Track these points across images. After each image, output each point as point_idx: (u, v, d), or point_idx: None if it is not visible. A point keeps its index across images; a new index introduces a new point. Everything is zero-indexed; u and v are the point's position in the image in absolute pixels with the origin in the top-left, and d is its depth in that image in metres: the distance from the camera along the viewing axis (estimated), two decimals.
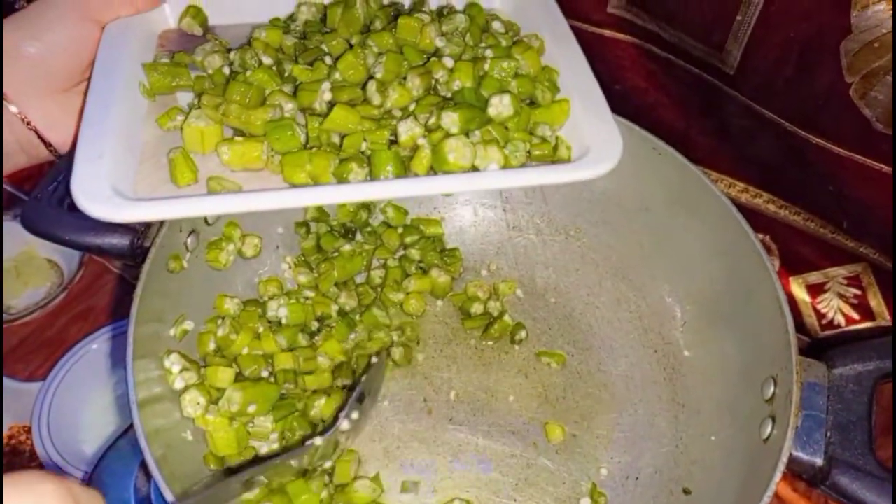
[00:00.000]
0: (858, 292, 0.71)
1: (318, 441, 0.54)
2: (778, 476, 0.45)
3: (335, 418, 0.56)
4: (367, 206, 0.68)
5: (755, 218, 0.70)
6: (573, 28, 0.58)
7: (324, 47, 0.54)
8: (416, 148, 0.49)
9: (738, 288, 0.57)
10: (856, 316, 0.73)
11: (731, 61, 0.63)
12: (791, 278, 0.74)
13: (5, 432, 0.72)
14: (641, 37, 0.70)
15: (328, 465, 0.56)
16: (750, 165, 0.71)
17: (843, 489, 0.46)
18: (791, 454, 0.46)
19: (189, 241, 0.58)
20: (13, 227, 0.83)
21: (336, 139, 0.50)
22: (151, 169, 0.49)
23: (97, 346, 0.74)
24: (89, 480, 0.60)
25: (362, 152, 0.50)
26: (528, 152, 0.51)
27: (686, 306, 0.63)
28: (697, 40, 0.65)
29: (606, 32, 0.70)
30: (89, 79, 0.50)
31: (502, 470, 0.59)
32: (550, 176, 0.49)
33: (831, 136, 0.61)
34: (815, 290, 0.74)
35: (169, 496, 0.45)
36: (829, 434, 0.47)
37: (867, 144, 0.60)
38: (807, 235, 0.71)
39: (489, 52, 0.53)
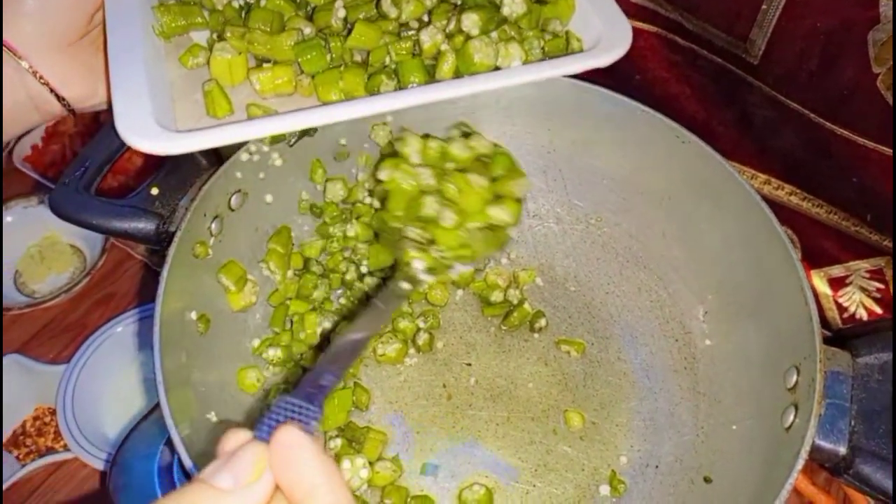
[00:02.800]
0: (881, 286, 0.71)
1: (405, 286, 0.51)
2: (800, 464, 0.45)
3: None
4: None
5: (777, 210, 0.69)
6: None
7: None
8: (438, 55, 0.50)
9: (761, 277, 0.56)
10: (878, 310, 0.72)
11: (755, 51, 0.63)
12: (813, 272, 0.73)
13: (31, 413, 0.73)
14: (664, 27, 0.69)
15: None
16: (772, 157, 0.70)
17: (866, 478, 0.46)
18: (814, 442, 0.46)
19: (213, 226, 0.59)
20: (37, 212, 0.84)
21: (358, 58, 0.52)
22: (186, 106, 0.50)
23: (121, 329, 0.75)
24: (113, 462, 0.61)
25: (386, 66, 0.51)
26: (543, 48, 0.53)
27: (708, 296, 0.63)
28: (721, 30, 0.65)
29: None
30: (104, 25, 0.50)
31: (521, 456, 0.59)
32: (572, 65, 0.51)
33: (856, 128, 0.61)
34: (837, 283, 0.73)
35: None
36: (852, 423, 0.47)
37: (893, 136, 0.59)
38: (829, 228, 0.70)
39: None
